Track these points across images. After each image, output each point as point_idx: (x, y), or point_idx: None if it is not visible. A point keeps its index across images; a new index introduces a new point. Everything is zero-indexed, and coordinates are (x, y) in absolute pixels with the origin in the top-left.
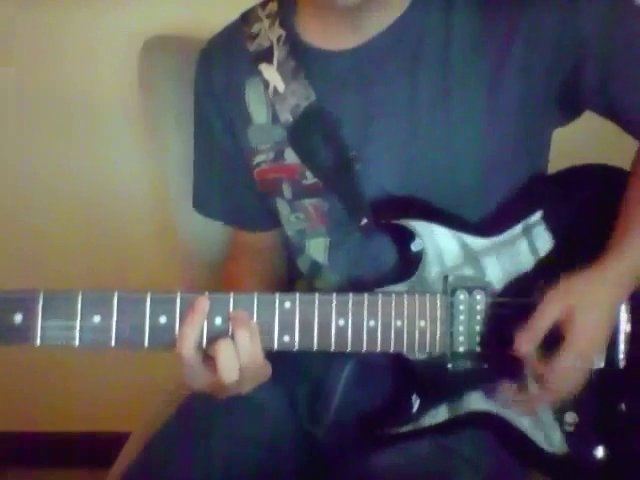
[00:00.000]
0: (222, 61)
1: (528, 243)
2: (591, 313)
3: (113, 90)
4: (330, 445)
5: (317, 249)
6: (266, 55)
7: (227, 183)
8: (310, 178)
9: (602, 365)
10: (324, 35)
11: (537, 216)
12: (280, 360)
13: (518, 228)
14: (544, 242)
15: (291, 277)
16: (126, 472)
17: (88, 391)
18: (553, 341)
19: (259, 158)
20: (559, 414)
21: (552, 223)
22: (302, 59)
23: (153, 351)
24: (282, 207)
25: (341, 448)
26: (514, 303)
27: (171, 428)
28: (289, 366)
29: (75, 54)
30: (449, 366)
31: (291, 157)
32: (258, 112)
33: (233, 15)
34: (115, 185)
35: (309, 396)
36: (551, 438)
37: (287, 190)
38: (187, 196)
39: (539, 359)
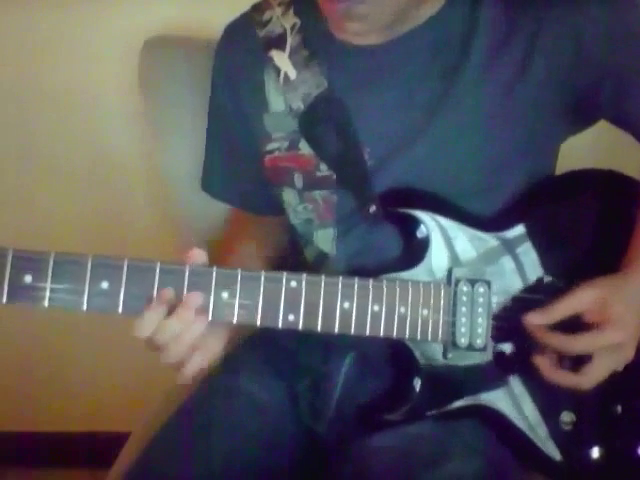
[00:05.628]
0: (238, 47)
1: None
2: (627, 308)
3: (113, 90)
4: (331, 440)
5: (325, 240)
6: (278, 42)
7: (238, 168)
8: (324, 170)
9: None
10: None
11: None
12: (280, 356)
13: (519, 228)
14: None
15: (297, 266)
16: (126, 472)
17: (88, 391)
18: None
19: (272, 145)
20: (556, 414)
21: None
22: (322, 49)
23: None
24: (289, 196)
25: (342, 442)
26: (520, 298)
27: (171, 428)
28: (289, 362)
29: (75, 54)
30: (449, 356)
31: (306, 148)
32: (275, 100)
33: (233, 15)
34: (115, 184)
35: (309, 391)
36: (549, 438)
37: (298, 180)
38: (187, 193)
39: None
